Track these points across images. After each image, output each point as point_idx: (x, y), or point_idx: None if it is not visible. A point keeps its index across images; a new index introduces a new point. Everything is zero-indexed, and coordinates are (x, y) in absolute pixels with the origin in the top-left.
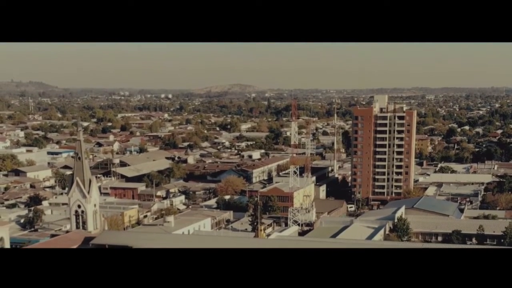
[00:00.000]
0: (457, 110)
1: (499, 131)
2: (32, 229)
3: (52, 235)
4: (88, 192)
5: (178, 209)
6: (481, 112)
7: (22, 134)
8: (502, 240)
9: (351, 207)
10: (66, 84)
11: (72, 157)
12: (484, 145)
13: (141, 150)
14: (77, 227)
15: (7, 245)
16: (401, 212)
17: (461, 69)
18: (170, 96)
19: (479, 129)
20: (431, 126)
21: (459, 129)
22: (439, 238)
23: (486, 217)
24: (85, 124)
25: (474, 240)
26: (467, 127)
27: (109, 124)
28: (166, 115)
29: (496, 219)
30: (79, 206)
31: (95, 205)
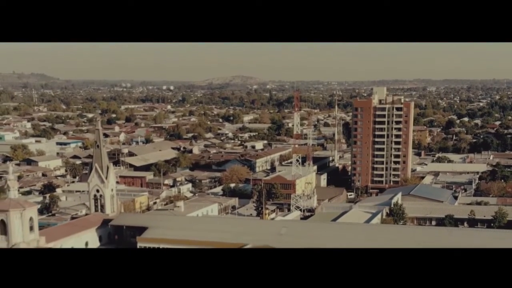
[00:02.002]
0: (458, 102)
1: (498, 123)
2: (50, 214)
3: (72, 217)
4: (106, 178)
5: (185, 196)
6: (481, 104)
7: (29, 125)
8: (492, 224)
9: (351, 194)
10: (67, 75)
11: (80, 147)
12: (481, 136)
13: (147, 140)
14: (96, 210)
15: (36, 225)
16: (398, 198)
17: (462, 64)
18: (172, 88)
19: (478, 121)
20: (430, 117)
21: (458, 121)
22: (433, 223)
23: (478, 203)
24: (90, 115)
25: (465, 224)
26: (466, 119)
27: (114, 115)
28: (169, 107)
29: (488, 205)
30: (97, 191)
31: (112, 189)
